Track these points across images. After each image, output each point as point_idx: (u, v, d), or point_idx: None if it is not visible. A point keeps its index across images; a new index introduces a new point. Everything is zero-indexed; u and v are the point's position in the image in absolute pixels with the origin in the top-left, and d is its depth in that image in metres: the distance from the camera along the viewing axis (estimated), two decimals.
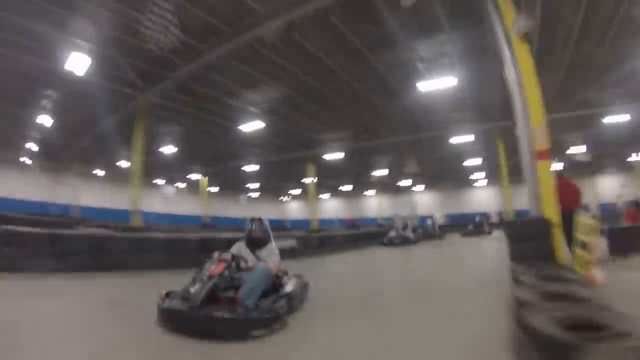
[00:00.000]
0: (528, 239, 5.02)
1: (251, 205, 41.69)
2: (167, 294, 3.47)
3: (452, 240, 19.31)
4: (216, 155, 23.32)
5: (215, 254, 3.68)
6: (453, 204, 37.95)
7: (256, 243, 4.19)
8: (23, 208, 19.98)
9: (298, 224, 36.64)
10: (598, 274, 4.42)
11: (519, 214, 16.04)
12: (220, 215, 33.29)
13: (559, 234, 4.92)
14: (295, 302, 3.88)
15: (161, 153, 20.09)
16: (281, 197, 46.03)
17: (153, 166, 22.42)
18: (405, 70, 11.15)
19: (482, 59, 10.18)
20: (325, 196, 43.56)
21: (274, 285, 3.82)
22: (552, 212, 5.04)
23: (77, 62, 9.80)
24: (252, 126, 15.46)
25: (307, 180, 25.30)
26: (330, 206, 44.33)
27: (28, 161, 24.42)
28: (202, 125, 16.76)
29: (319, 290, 4.88)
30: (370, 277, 6.88)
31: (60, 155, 23.13)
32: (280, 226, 29.86)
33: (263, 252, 4.11)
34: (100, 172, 29.23)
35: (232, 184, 34.77)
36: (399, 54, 10.24)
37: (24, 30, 9.07)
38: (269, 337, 3.04)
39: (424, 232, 19.66)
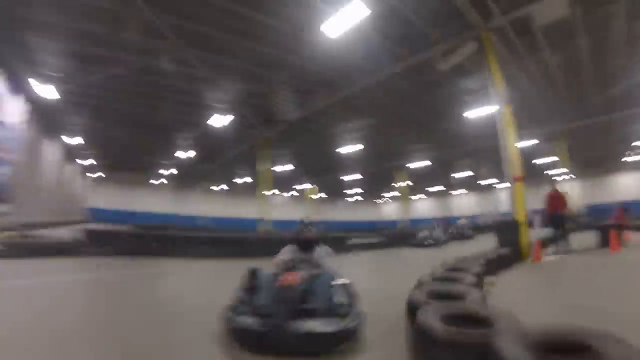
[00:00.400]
0: (507, 232, 8.31)
1: (351, 208, 46.79)
2: (233, 310, 3.01)
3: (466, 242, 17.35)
4: (322, 170, 28.57)
5: (278, 260, 3.62)
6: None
7: (308, 245, 3.82)
8: (156, 219, 27.76)
9: (387, 225, 39.76)
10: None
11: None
12: (324, 219, 38.49)
13: (524, 229, 8.07)
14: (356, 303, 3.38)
15: (275, 170, 25.78)
16: (377, 200, 49.96)
17: (267, 180, 28.84)
18: (461, 101, 14.17)
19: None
20: (418, 197, 46.24)
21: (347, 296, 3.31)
22: (520, 215, 8.21)
23: (217, 120, 14.71)
24: (352, 148, 19.81)
25: (399, 185, 30.05)
26: (423, 206, 46.86)
27: (163, 181, 33.18)
28: (310, 149, 21.87)
29: None
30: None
31: (188, 176, 31.02)
32: (371, 228, 33.00)
33: (316, 255, 3.78)
34: (219, 188, 36.85)
35: (334, 191, 40.04)
36: (451, 91, 13.60)
37: (180, 94, 14.30)
38: (352, 344, 2.82)
39: (456, 232, 18.84)
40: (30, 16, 9.17)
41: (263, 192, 19.49)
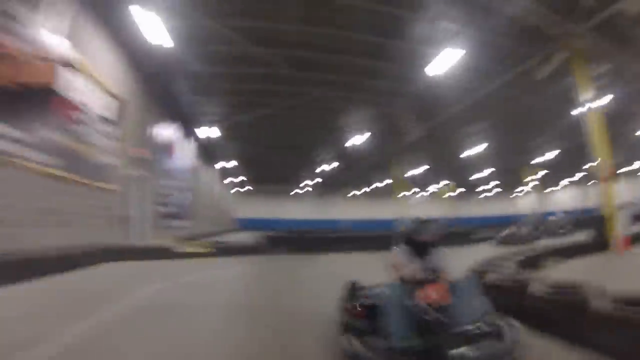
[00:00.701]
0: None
1: (484, 203, 45.29)
2: (361, 340, 2.35)
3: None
4: (454, 169, 29.79)
5: (399, 265, 2.82)
6: None
7: (424, 248, 2.95)
8: (298, 225, 31.58)
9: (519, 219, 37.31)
10: None
11: None
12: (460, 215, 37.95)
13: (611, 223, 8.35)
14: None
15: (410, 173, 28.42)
16: (513, 194, 47.45)
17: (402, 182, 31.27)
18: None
19: None
20: (551, 189, 42.37)
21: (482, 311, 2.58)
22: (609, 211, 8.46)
23: (356, 139, 17.80)
24: (477, 148, 21.28)
25: (529, 179, 30.17)
26: (562, 197, 42.63)
27: (308, 190, 37.84)
28: (440, 152, 23.71)
29: None
30: None
31: (329, 185, 34.88)
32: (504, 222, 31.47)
33: (434, 259, 2.92)
34: (360, 192, 40.06)
35: (468, 188, 40.59)
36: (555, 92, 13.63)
37: (320, 121, 17.64)
38: None
39: (547, 229, 17.19)
40: (197, 83, 13.27)
41: (399, 194, 22.01)
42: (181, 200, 15.96)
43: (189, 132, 17.12)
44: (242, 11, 9.30)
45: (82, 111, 7.73)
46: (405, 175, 27.62)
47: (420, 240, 2.97)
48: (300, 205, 39.85)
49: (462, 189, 41.06)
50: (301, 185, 36.15)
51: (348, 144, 18.56)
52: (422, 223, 3.05)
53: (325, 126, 18.22)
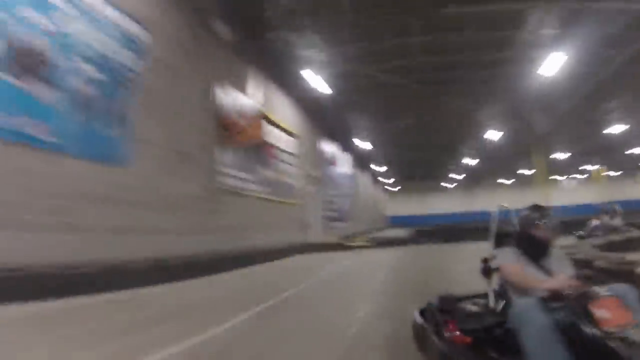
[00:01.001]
0: None
1: None
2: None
3: None
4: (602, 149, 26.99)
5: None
6: None
7: (541, 249, 2.14)
8: (443, 219, 31.98)
9: None
10: None
11: None
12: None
13: None
14: None
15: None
16: None
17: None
18: None
19: None
20: None
21: None
22: None
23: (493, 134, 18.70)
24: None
25: None
26: None
27: (455, 184, 38.10)
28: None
29: None
30: None
31: (475, 178, 34.65)
32: None
33: (553, 262, 2.12)
34: (505, 181, 38.40)
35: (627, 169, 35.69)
36: None
37: (458, 120, 18.73)
38: None
39: None
40: (351, 109, 16.09)
41: (544, 179, 21.50)
42: (341, 205, 19.07)
43: (346, 147, 20.26)
44: (378, 53, 11.50)
45: (276, 150, 11.11)
46: (550, 161, 26.09)
47: (538, 236, 2.12)
48: (448, 198, 40.82)
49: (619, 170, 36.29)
50: (448, 179, 37.31)
51: (487, 137, 19.50)
52: (541, 211, 2.20)
53: (463, 125, 19.31)
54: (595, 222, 15.07)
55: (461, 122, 18.70)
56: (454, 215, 36.18)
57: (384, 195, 38.97)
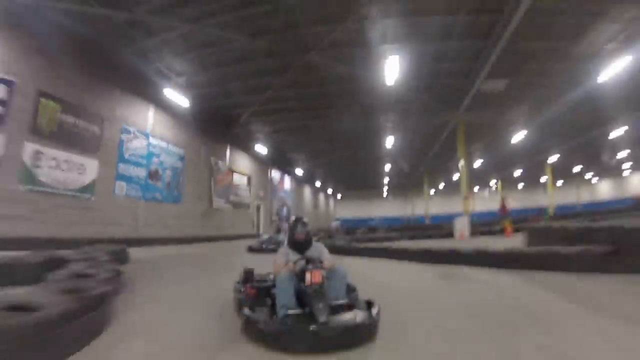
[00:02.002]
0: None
1: None
2: (252, 310, 3.01)
3: None
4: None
5: (280, 264, 3.39)
6: None
7: (301, 245, 3.63)
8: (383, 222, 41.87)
9: None
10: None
11: None
12: None
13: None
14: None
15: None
16: None
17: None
18: None
19: None
20: None
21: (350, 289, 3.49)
22: None
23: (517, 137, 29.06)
24: None
25: None
26: None
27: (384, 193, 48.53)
28: None
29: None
30: None
31: (403, 185, 44.13)
32: None
33: (313, 252, 3.57)
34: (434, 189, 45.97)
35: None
36: None
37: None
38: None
39: None
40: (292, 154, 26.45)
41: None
42: (282, 211, 29.47)
43: (288, 172, 30.66)
44: (302, 130, 22.11)
45: (237, 185, 21.42)
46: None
47: (296, 238, 3.63)
48: (387, 204, 49.93)
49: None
50: (383, 188, 45.55)
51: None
52: (296, 222, 3.69)
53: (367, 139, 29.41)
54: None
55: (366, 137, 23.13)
56: (387, 219, 44.48)
57: (329, 201, 49.58)
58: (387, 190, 47.58)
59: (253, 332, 2.83)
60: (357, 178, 39.52)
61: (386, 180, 40.37)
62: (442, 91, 15.90)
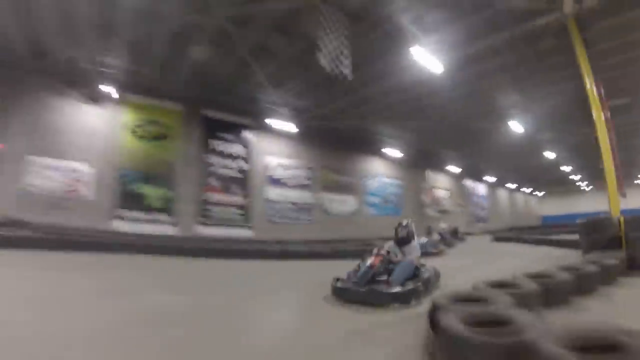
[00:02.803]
0: None
1: None
2: (337, 279, 5.11)
3: None
4: None
5: (375, 250, 5.41)
6: None
7: (402, 242, 5.71)
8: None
9: None
10: None
11: None
12: None
13: None
14: (430, 285, 5.38)
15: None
16: None
17: None
18: None
19: None
20: None
21: (415, 274, 5.30)
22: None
23: None
24: None
25: None
26: None
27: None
28: None
29: None
30: None
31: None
32: None
33: (407, 249, 5.60)
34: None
35: None
36: None
37: None
38: (406, 307, 4.47)
39: None
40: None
41: None
42: (480, 213, 34.06)
43: (480, 180, 35.18)
44: None
45: (440, 197, 27.99)
46: None
47: (398, 237, 5.77)
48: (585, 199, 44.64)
49: None
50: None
51: None
52: (401, 227, 5.84)
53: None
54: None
55: None
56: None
57: (529, 200, 49.56)
58: (588, 185, 44.04)
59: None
60: (550, 177, 38.39)
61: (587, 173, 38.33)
62: None
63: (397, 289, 4.63)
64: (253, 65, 11.78)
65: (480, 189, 35.71)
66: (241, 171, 16.42)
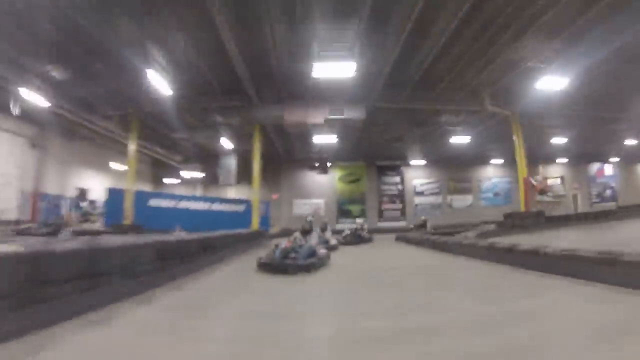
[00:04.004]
0: None
1: None
2: (260, 258, 7.43)
3: None
4: None
5: (287, 238, 7.98)
6: None
7: (305, 232, 8.59)
8: None
9: None
10: None
11: None
12: None
13: None
14: (323, 261, 8.07)
15: None
16: None
17: None
18: None
19: None
20: None
21: (314, 253, 7.70)
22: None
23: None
24: None
25: None
26: None
27: None
28: None
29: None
30: None
31: None
32: None
33: (308, 237, 8.36)
34: None
35: None
36: None
37: None
38: (308, 274, 6.89)
39: None
40: None
41: None
42: (603, 193, 39.27)
43: (607, 162, 39.91)
44: None
45: (553, 185, 36.17)
46: None
47: (303, 229, 8.76)
48: None
49: None
50: None
51: None
52: (306, 222, 9.30)
53: None
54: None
55: None
56: None
57: None
58: None
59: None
60: None
61: None
62: None
63: (300, 262, 7.09)
64: (402, 141, 25.24)
65: (606, 169, 40.34)
66: (399, 190, 30.54)
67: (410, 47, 11.42)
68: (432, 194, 31.49)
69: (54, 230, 12.55)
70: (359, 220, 20.56)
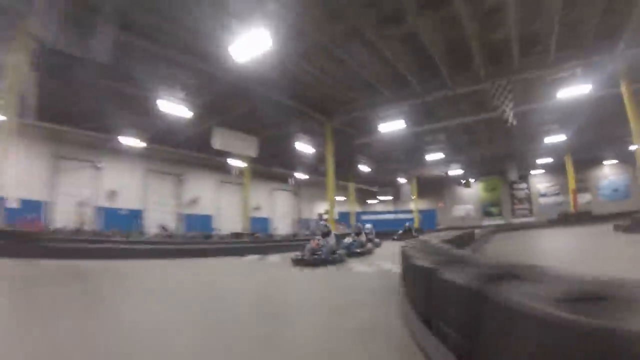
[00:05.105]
0: None
1: None
2: (296, 255, 9.30)
3: None
4: None
5: (313, 239, 9.89)
6: None
7: (324, 235, 10.05)
8: None
9: None
10: None
11: None
12: None
13: None
14: (343, 258, 9.98)
15: None
16: None
17: None
18: None
19: None
20: None
21: (334, 251, 9.71)
22: None
23: None
24: None
25: None
26: None
27: None
28: None
29: None
30: None
31: None
32: None
33: (328, 238, 9.89)
34: None
35: None
36: None
37: None
38: (333, 267, 8.74)
39: None
40: None
41: None
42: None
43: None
44: None
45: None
46: None
47: (322, 231, 10.39)
48: None
49: None
50: None
51: None
52: (322, 224, 11.22)
53: None
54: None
55: None
56: None
57: None
58: None
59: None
60: None
61: None
62: None
63: (324, 258, 9.18)
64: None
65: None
66: (526, 194, 41.91)
67: None
68: (553, 194, 41.86)
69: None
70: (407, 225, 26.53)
